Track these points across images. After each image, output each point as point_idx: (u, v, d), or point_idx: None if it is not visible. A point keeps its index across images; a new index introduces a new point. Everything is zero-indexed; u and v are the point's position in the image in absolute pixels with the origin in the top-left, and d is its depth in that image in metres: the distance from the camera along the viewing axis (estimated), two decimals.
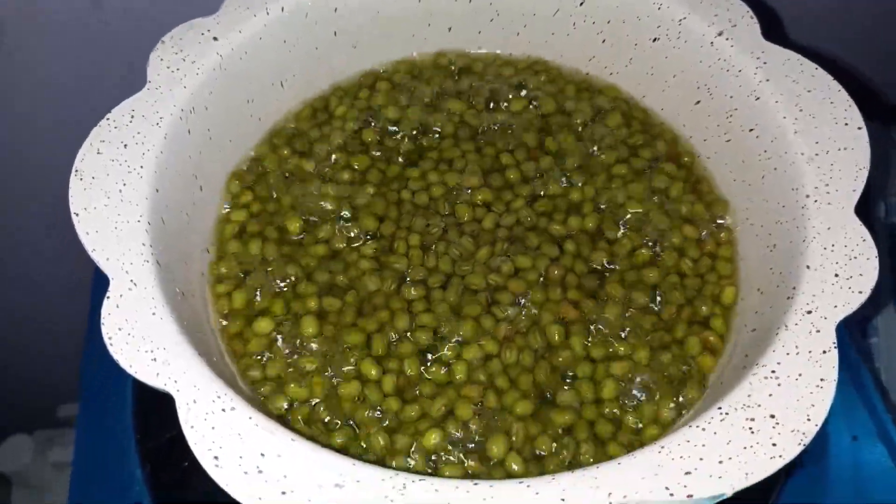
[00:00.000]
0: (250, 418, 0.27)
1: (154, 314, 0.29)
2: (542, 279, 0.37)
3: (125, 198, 0.32)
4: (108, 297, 0.29)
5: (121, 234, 0.31)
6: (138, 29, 0.50)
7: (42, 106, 0.55)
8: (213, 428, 0.26)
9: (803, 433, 0.26)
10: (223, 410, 0.27)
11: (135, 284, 0.30)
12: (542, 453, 0.32)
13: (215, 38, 0.38)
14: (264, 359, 0.35)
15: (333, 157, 0.42)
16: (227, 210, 0.40)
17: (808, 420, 0.26)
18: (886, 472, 0.41)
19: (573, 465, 0.32)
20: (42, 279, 0.70)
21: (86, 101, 0.54)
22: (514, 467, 0.32)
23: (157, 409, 0.40)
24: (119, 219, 0.32)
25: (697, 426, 0.27)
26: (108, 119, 0.34)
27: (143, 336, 0.29)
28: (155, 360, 0.28)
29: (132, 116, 0.35)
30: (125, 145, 0.34)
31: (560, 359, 0.35)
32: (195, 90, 0.37)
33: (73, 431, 0.45)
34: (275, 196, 0.40)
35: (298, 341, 0.35)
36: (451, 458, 0.32)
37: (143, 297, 0.30)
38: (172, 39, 0.37)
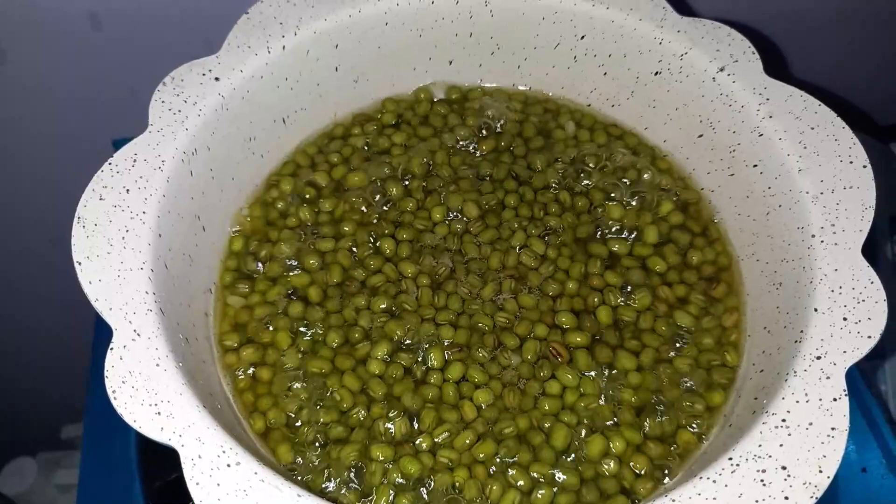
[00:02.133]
0: (256, 473, 0.27)
1: (158, 365, 0.29)
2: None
3: (128, 244, 0.32)
4: (111, 349, 0.29)
5: (123, 282, 0.31)
6: (138, 50, 0.50)
7: (42, 123, 0.55)
8: (218, 484, 0.26)
9: (815, 486, 0.26)
10: (228, 466, 0.27)
11: (138, 335, 0.30)
12: None
13: (217, 79, 0.38)
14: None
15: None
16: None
17: (821, 472, 0.26)
18: None
19: None
20: (46, 298, 0.70)
21: (85, 119, 0.55)
22: None
23: (162, 449, 0.40)
24: (122, 267, 0.32)
25: (708, 478, 0.26)
26: (109, 164, 0.34)
27: (148, 389, 0.28)
28: (159, 413, 0.28)
29: (134, 161, 0.35)
30: (128, 190, 0.34)
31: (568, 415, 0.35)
32: (197, 132, 0.36)
33: (76, 453, 0.45)
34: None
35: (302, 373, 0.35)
36: None
37: (147, 347, 0.30)
38: (174, 81, 0.37)
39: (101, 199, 0.33)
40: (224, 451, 0.27)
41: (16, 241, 0.65)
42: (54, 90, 0.53)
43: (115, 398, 0.28)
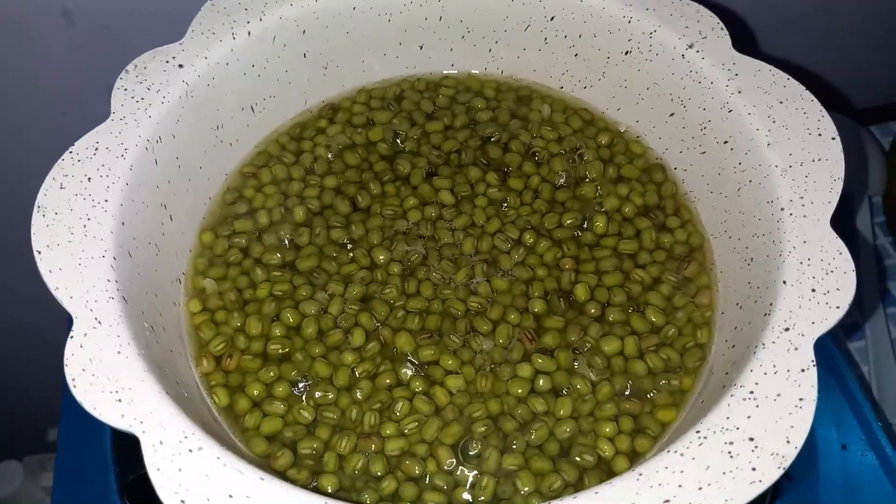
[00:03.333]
0: (218, 458, 0.26)
1: (119, 353, 0.29)
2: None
3: (89, 233, 0.32)
4: (71, 337, 0.29)
5: (84, 270, 0.31)
6: (113, 45, 0.50)
7: (15, 119, 0.54)
8: (179, 470, 0.26)
9: (783, 456, 0.25)
10: (190, 451, 0.26)
11: (99, 322, 0.29)
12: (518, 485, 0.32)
13: (181, 66, 0.37)
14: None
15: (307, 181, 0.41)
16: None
17: (788, 442, 0.26)
18: (877, 481, 0.40)
19: (547, 496, 0.31)
20: (30, 298, 0.69)
21: (63, 116, 0.54)
22: (483, 498, 0.31)
23: (136, 442, 0.40)
24: (83, 255, 0.31)
25: (675, 451, 0.26)
26: (70, 152, 0.34)
27: (108, 376, 0.28)
28: (120, 400, 0.27)
29: (96, 149, 0.34)
30: (89, 178, 0.33)
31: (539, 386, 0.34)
32: (161, 119, 0.36)
33: None
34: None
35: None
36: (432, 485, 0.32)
37: (108, 335, 0.29)
38: (136, 69, 0.37)
39: (61, 187, 0.33)
40: (186, 437, 0.27)
41: None
42: (27, 87, 0.53)
43: (74, 386, 0.28)
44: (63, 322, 0.31)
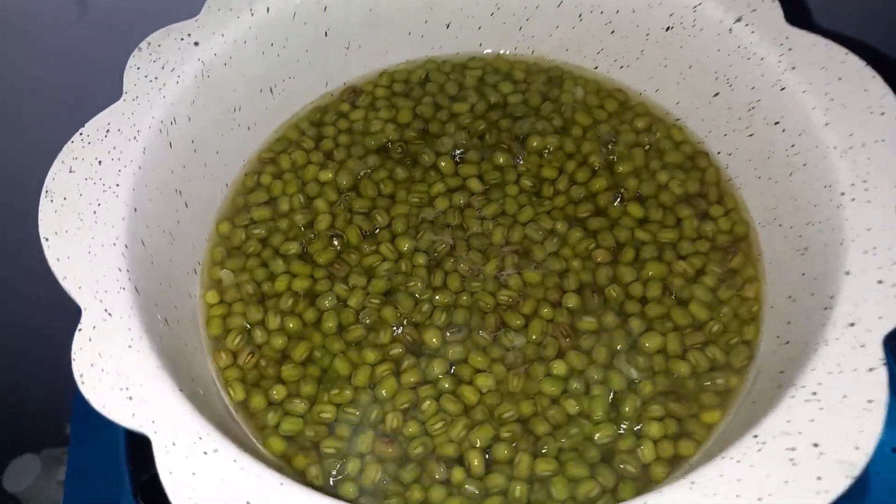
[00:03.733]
0: (235, 461, 0.24)
1: (130, 346, 0.27)
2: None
3: (100, 219, 0.30)
4: (79, 330, 0.27)
5: (94, 259, 0.29)
6: (128, 31, 0.48)
7: (24, 111, 0.53)
8: (193, 473, 0.24)
9: (851, 464, 0.23)
10: (205, 453, 0.24)
11: (109, 315, 0.28)
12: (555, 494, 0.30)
13: (196, 44, 0.35)
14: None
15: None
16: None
17: (857, 448, 0.23)
18: None
19: None
20: (47, 293, 0.68)
21: (74, 106, 0.52)
22: None
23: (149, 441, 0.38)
24: (93, 242, 0.29)
25: (732, 458, 0.24)
26: (80, 134, 0.32)
27: (119, 372, 0.26)
28: (131, 398, 0.26)
29: (107, 131, 0.32)
30: (100, 162, 0.31)
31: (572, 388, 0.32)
32: (175, 100, 0.34)
33: None
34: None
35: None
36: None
37: (119, 328, 0.27)
38: (150, 46, 0.35)
39: (70, 171, 0.31)
40: (201, 438, 0.25)
41: (11, 235, 0.63)
42: (39, 77, 0.51)
43: (82, 382, 0.26)
44: (80, 315, 0.29)
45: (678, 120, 0.40)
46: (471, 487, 0.30)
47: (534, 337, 0.34)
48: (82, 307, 0.28)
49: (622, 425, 0.31)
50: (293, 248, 0.37)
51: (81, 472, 0.41)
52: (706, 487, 0.23)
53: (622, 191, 0.38)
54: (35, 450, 0.82)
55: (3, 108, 0.53)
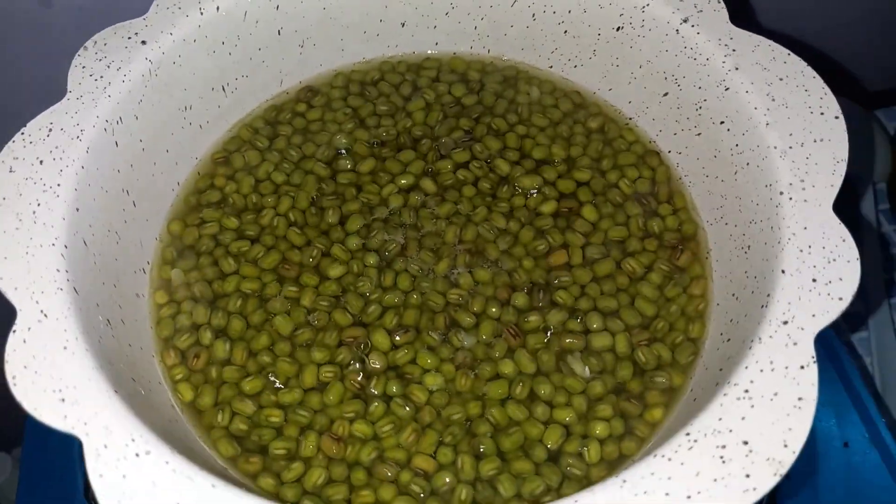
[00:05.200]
0: (167, 463, 0.24)
1: (66, 348, 0.27)
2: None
3: (39, 219, 0.30)
4: (13, 332, 0.27)
5: (32, 259, 0.29)
6: (78, 31, 0.47)
7: None
8: (123, 476, 0.24)
9: (779, 462, 0.23)
10: (136, 455, 0.24)
11: (45, 316, 0.27)
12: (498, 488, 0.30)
13: (143, 42, 0.35)
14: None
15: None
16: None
17: (785, 446, 0.24)
18: (880, 480, 0.38)
19: (528, 501, 0.30)
20: None
21: (21, 107, 0.51)
22: None
23: None
24: (31, 243, 0.29)
25: (664, 455, 0.24)
26: (21, 134, 0.32)
27: (52, 374, 0.26)
28: (63, 400, 0.25)
29: (49, 130, 0.32)
30: (41, 161, 0.31)
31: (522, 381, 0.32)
32: (121, 99, 0.34)
33: None
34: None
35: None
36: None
37: (55, 329, 0.27)
38: (96, 45, 0.35)
39: (10, 171, 0.31)
40: (133, 440, 0.25)
41: None
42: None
43: (14, 384, 0.26)
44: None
45: (630, 119, 0.40)
46: (416, 488, 0.30)
47: (484, 337, 0.34)
48: (17, 308, 0.27)
49: (566, 426, 0.31)
50: (245, 247, 0.37)
51: (35, 472, 0.40)
52: (637, 486, 0.23)
53: (576, 190, 0.38)
54: (6, 449, 0.81)
55: None
